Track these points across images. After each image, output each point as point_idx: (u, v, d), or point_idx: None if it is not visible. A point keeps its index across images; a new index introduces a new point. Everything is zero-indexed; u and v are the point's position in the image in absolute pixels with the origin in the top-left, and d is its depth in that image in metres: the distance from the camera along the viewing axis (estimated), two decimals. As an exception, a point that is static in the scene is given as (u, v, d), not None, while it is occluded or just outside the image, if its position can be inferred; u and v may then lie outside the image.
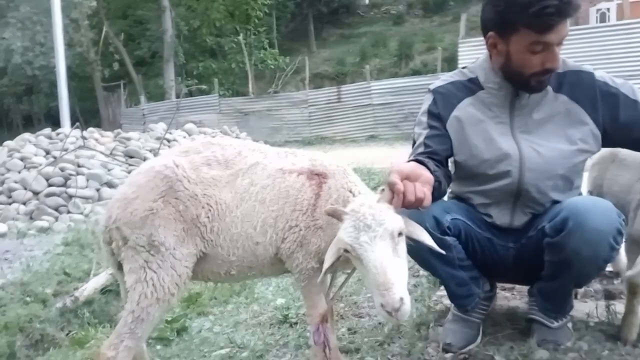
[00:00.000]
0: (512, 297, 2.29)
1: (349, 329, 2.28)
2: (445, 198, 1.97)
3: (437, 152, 1.83)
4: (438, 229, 1.75)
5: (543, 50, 1.63)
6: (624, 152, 1.90)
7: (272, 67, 21.25)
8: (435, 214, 1.74)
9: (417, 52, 22.53)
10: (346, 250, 1.41)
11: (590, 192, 2.03)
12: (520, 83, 1.74)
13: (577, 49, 11.94)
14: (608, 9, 16.88)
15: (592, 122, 1.76)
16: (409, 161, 1.63)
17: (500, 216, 1.86)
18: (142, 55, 22.79)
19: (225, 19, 21.18)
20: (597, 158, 2.06)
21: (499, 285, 2.28)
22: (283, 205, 1.77)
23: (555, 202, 1.79)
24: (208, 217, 1.72)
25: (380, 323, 2.27)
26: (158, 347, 2.58)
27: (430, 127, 1.88)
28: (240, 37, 19.88)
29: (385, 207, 1.40)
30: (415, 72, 19.23)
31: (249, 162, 1.83)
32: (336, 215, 1.46)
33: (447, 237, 1.76)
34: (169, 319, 2.71)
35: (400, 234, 1.38)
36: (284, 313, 2.54)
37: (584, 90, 1.77)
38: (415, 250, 1.53)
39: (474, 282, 1.93)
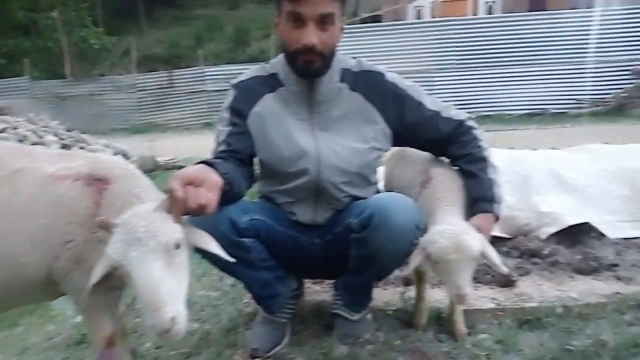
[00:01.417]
0: (322, 290, 2.32)
1: (154, 343, 2.10)
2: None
3: (238, 150, 1.75)
4: (235, 232, 1.67)
5: (300, 24, 1.64)
6: (411, 150, 2.01)
7: (97, 47, 19.42)
8: (231, 216, 1.66)
9: (254, 38, 22.49)
10: (115, 267, 1.25)
11: (385, 187, 2.13)
12: (292, 65, 1.74)
13: (396, 42, 13.00)
14: (423, 7, 18.55)
15: (383, 122, 1.81)
16: (196, 164, 1.51)
17: (304, 213, 1.85)
18: None
19: (40, -9, 18.81)
20: (390, 155, 2.17)
21: (310, 279, 2.30)
22: (55, 217, 1.51)
23: (355, 197, 1.83)
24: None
25: (188, 332, 2.13)
26: None
27: (232, 124, 1.80)
28: (56, 13, 17.76)
29: (162, 217, 1.26)
30: (253, 59, 19.10)
31: (12, 168, 1.53)
32: (106, 227, 1.29)
33: (244, 239, 1.70)
34: None
35: (178, 245, 1.26)
36: (82, 332, 2.26)
37: (376, 90, 1.82)
38: (213, 256, 1.43)
39: (279, 282, 1.89)
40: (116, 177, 1.59)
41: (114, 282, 1.40)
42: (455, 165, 1.86)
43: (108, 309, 1.63)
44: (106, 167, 1.62)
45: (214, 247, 1.38)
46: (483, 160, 1.79)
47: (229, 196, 1.57)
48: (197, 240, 1.36)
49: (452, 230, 1.54)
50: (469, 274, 1.55)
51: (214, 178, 1.43)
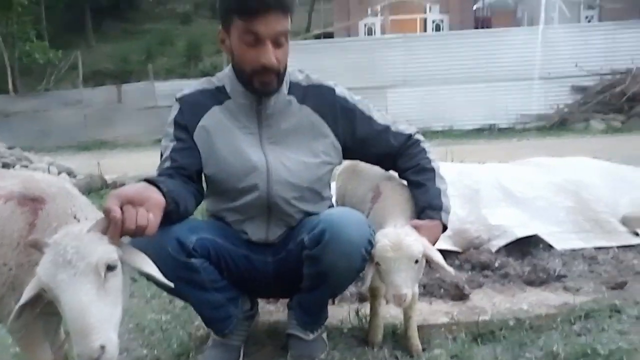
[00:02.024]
0: (276, 310, 2.26)
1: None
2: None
3: (184, 166, 1.69)
4: (183, 252, 1.59)
5: (256, 43, 1.60)
6: (362, 165, 2.01)
7: (41, 61, 18.70)
8: (179, 236, 1.59)
9: (206, 53, 22.31)
10: (44, 290, 1.17)
11: (337, 202, 2.11)
12: (246, 83, 1.70)
13: (348, 58, 13.18)
14: (374, 24, 18.95)
15: (333, 135, 1.80)
16: (139, 181, 1.44)
17: (255, 232, 1.80)
18: None
19: (-21, 4, 17.93)
20: (342, 169, 2.16)
21: (263, 298, 2.24)
22: (-15, 241, 1.41)
23: (308, 213, 1.80)
24: None
25: (137, 359, 2.02)
26: None
27: (177, 139, 1.74)
28: (-4, 26, 17.08)
29: (95, 237, 1.20)
30: (205, 74, 18.73)
31: (-63, 188, 1.42)
32: (37, 247, 1.22)
33: (193, 260, 1.62)
34: None
35: (112, 267, 1.19)
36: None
37: (326, 104, 1.80)
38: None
39: (231, 303, 1.82)
40: (51, 197, 1.50)
41: (52, 307, 1.31)
42: (403, 177, 1.86)
43: (46, 336, 1.53)
44: (41, 186, 1.52)
45: (152, 270, 1.30)
46: (431, 170, 1.81)
47: (175, 215, 1.52)
48: (135, 262, 1.29)
49: (393, 231, 1.57)
50: (409, 275, 1.54)
51: (156, 197, 1.37)
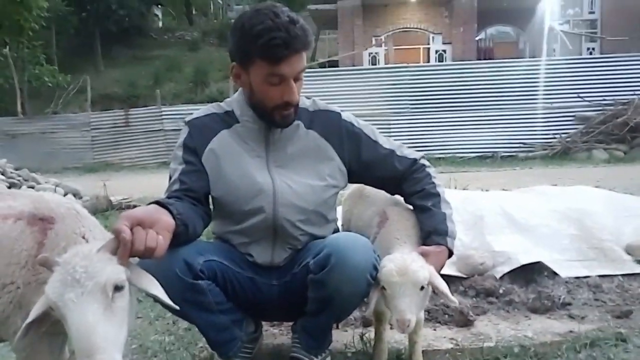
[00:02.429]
0: (280, 333, 2.26)
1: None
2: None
3: (193, 189, 1.72)
4: (190, 273, 1.61)
5: (280, 83, 1.64)
6: (368, 190, 2.03)
7: (50, 85, 18.99)
8: (186, 258, 1.60)
9: (213, 79, 22.58)
10: (52, 308, 1.19)
11: (342, 226, 2.12)
12: (266, 118, 1.74)
13: (352, 86, 13.37)
14: (378, 53, 19.23)
15: (339, 159, 1.83)
16: (149, 204, 1.46)
17: (261, 255, 1.81)
18: None
19: (-9, 28, 18.28)
20: (348, 194, 2.18)
21: (268, 321, 2.23)
22: (-6, 258, 1.43)
23: (313, 236, 1.81)
24: None
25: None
26: None
27: (186, 162, 1.77)
28: (7, 50, 17.35)
29: (104, 258, 1.21)
30: (212, 99, 19.15)
31: (-52, 207, 1.44)
32: (47, 265, 1.23)
33: (200, 282, 1.63)
34: None
35: (119, 287, 1.20)
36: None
37: (332, 128, 1.84)
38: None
39: (236, 326, 1.83)
40: (61, 217, 1.52)
41: (58, 327, 1.32)
42: (409, 202, 1.88)
43: (51, 355, 1.52)
44: (50, 207, 1.54)
45: (159, 292, 1.31)
46: (436, 195, 1.82)
47: (183, 237, 1.53)
48: (142, 284, 1.30)
49: (400, 257, 1.58)
50: (413, 301, 1.54)
51: (166, 219, 1.39)
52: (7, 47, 17.68)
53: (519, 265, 2.70)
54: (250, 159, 1.78)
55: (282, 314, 1.99)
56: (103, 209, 5.93)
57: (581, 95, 12.72)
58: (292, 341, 1.92)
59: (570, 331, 2.19)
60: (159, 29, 32.08)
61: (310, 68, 16.15)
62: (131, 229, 1.26)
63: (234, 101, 1.84)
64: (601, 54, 17.15)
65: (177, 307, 1.33)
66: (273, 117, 1.71)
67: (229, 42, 1.72)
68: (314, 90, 12.44)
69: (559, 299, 2.49)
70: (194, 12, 33.67)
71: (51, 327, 1.33)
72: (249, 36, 1.60)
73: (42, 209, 1.52)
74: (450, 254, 1.75)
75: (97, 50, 25.50)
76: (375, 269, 1.63)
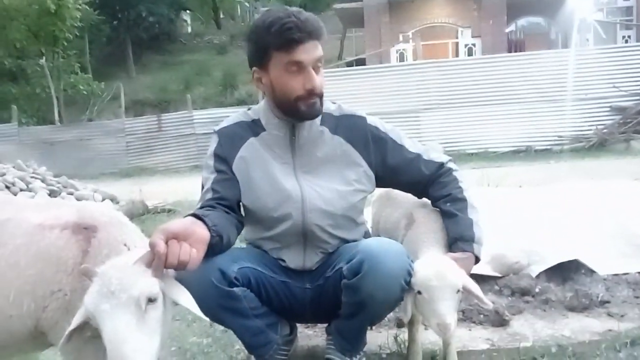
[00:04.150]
0: (314, 334, 2.29)
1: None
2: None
3: (225, 197, 1.75)
4: (225, 281, 1.65)
5: (299, 71, 1.68)
6: (396, 192, 2.04)
7: (85, 92, 19.56)
8: (221, 266, 1.64)
9: (242, 82, 22.82)
10: (89, 317, 1.25)
11: (372, 228, 2.14)
12: (292, 112, 1.75)
13: (381, 84, 13.29)
14: (405, 50, 19.07)
15: (366, 164, 1.84)
16: (185, 216, 1.51)
17: (293, 259, 1.84)
18: None
19: (28, 39, 18.92)
20: (376, 196, 2.19)
21: (302, 324, 2.26)
22: (43, 267, 1.50)
23: (344, 240, 1.83)
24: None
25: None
26: None
27: (218, 171, 1.80)
28: (44, 60, 17.94)
29: (139, 270, 1.27)
30: (241, 102, 19.41)
31: (-2, 219, 1.52)
32: (88, 276, 1.29)
33: (235, 289, 1.67)
34: None
35: (152, 299, 1.25)
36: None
37: (357, 133, 1.85)
38: (203, 305, 1.41)
39: (271, 329, 1.86)
40: (103, 225, 1.59)
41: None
42: (435, 206, 1.87)
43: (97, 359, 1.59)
44: (93, 216, 1.61)
45: (191, 305, 1.36)
46: (463, 200, 1.81)
47: (218, 248, 1.58)
48: (175, 296, 1.35)
49: (435, 261, 1.59)
50: (452, 304, 1.55)
51: (200, 232, 1.44)
52: (44, 57, 18.30)
53: (555, 263, 2.66)
54: (278, 165, 1.81)
55: (316, 316, 2.01)
56: (139, 214, 6.09)
57: (617, 85, 12.34)
58: (327, 343, 1.94)
59: (610, 330, 2.15)
60: (188, 34, 32.59)
61: (337, 67, 16.15)
62: (166, 242, 1.31)
63: (260, 110, 1.87)
64: (637, 41, 16.60)
65: (208, 319, 1.38)
66: (298, 109, 1.73)
67: (246, 50, 1.78)
68: (342, 89, 12.41)
69: (597, 297, 2.44)
70: (221, 16, 34.04)
71: (95, 332, 1.39)
72: (262, 30, 1.67)
73: (86, 218, 1.59)
74: (477, 260, 1.75)
75: (129, 57, 26.09)
76: (410, 274, 1.63)
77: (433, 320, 1.56)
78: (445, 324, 1.51)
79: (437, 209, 1.87)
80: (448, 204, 1.81)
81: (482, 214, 1.81)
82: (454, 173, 1.87)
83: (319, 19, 1.71)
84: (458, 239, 1.73)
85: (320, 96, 1.73)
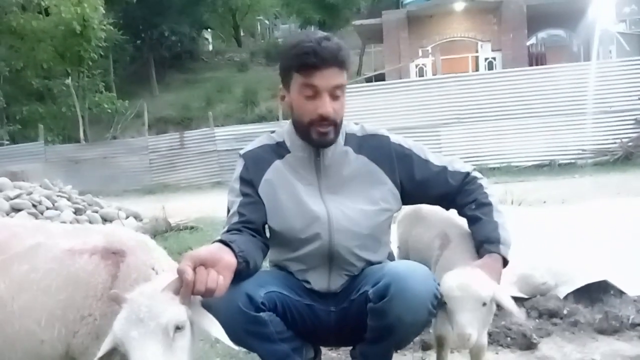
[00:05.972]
0: (338, 357, 2.28)
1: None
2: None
3: (252, 220, 1.77)
4: (252, 306, 1.65)
5: (314, 96, 1.70)
6: (425, 211, 2.03)
7: (110, 111, 19.99)
8: (248, 291, 1.65)
9: (262, 98, 23.06)
10: (118, 344, 1.27)
11: (399, 248, 2.13)
12: (306, 136, 1.78)
13: (400, 99, 13.29)
14: (425, 65, 19.07)
15: (391, 182, 1.84)
16: (214, 242, 1.53)
17: (318, 281, 1.84)
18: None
19: (54, 60, 19.48)
20: (403, 215, 2.18)
21: (326, 347, 2.25)
22: (73, 292, 1.53)
23: (369, 262, 1.83)
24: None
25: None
26: None
27: (244, 194, 1.82)
28: (69, 80, 18.42)
29: (167, 298, 1.29)
30: (261, 118, 19.61)
31: (28, 244, 1.56)
32: (117, 302, 1.32)
33: (262, 314, 1.67)
34: None
35: (179, 327, 1.27)
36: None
37: (382, 152, 1.86)
38: (230, 330, 1.42)
39: (297, 353, 1.85)
40: (131, 250, 1.62)
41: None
42: (461, 214, 1.87)
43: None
44: (122, 240, 1.65)
45: (218, 333, 1.37)
46: (488, 205, 1.81)
47: (245, 273, 1.59)
48: (203, 324, 1.37)
49: (462, 272, 1.58)
50: (475, 316, 1.52)
51: (227, 259, 1.46)
52: (69, 77, 18.79)
53: (583, 284, 2.60)
54: (303, 187, 1.82)
55: (340, 339, 1.99)
56: (162, 231, 6.15)
57: (642, 97, 12.13)
58: (352, 366, 1.93)
59: (642, 354, 2.09)
60: (210, 52, 33.14)
61: (356, 83, 16.21)
62: (194, 269, 1.33)
63: (285, 132, 1.89)
64: (662, 53, 16.31)
65: (235, 347, 1.39)
66: (310, 134, 1.75)
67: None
68: (361, 105, 12.45)
69: (628, 319, 2.38)
70: (242, 33, 34.57)
71: (124, 357, 1.41)
72: (286, 51, 1.74)
73: (114, 243, 1.62)
74: (506, 262, 1.72)
75: (152, 76, 26.60)
76: (436, 297, 1.61)
77: (455, 331, 1.54)
78: (463, 334, 1.50)
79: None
80: (473, 210, 1.81)
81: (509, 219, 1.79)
82: (479, 181, 1.88)
83: (345, 48, 1.72)
84: (484, 242, 1.73)
85: (335, 124, 1.75)
